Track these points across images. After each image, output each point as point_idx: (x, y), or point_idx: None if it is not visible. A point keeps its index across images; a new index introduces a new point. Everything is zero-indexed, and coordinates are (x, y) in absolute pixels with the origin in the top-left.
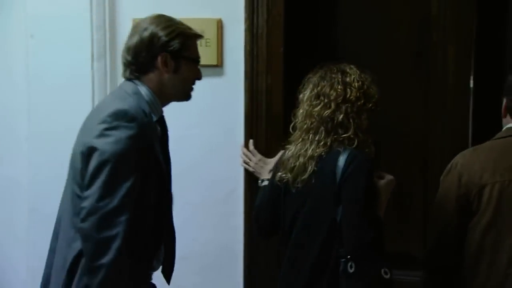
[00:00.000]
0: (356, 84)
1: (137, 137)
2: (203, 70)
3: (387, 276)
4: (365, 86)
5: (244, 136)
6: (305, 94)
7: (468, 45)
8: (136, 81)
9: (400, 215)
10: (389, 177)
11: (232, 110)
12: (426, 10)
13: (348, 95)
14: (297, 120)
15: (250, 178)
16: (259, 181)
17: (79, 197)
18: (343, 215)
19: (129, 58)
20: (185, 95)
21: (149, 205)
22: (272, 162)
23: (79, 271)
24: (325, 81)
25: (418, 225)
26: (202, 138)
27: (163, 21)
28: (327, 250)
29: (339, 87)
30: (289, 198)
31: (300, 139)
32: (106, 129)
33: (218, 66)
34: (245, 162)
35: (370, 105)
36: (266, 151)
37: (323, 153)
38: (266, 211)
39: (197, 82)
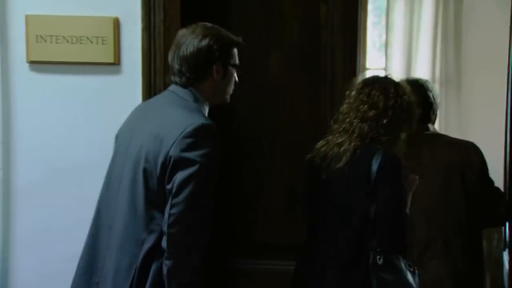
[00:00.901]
0: (406, 98)
1: (219, 151)
2: (99, 68)
3: (411, 269)
4: (412, 105)
5: None
6: (354, 91)
7: (354, 46)
8: (192, 89)
9: (292, 211)
10: (412, 176)
11: (129, 109)
12: (315, 12)
13: (398, 105)
14: (340, 112)
15: None
16: None
17: (150, 202)
18: (379, 211)
19: (185, 66)
20: (226, 99)
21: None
22: None
23: (152, 270)
24: (377, 85)
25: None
26: (98, 136)
27: (215, 32)
28: (360, 243)
29: (391, 95)
30: (319, 185)
31: (340, 129)
32: (194, 144)
33: (115, 64)
34: None
35: (411, 120)
36: None
37: (359, 147)
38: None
39: (93, 80)
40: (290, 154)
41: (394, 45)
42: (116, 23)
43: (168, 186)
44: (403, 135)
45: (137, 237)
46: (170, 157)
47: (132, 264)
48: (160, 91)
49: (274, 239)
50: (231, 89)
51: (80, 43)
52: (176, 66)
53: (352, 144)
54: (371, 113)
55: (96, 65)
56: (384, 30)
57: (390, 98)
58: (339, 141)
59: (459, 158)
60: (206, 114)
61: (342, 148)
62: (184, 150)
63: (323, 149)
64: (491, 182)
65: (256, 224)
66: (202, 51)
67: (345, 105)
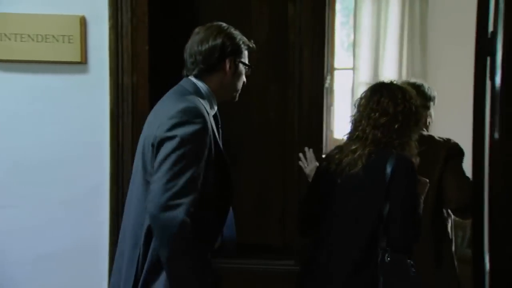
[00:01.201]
0: (413, 102)
1: (202, 131)
2: (65, 67)
3: (414, 269)
4: (419, 108)
5: (109, 133)
6: (363, 99)
7: (322, 46)
8: (197, 79)
9: (260, 208)
10: (423, 179)
11: (97, 107)
12: (283, 12)
13: (407, 109)
14: (351, 120)
15: (117, 174)
16: None
17: (147, 183)
18: (392, 211)
19: (199, 57)
20: (235, 96)
21: (210, 192)
22: None
23: (151, 249)
24: (385, 92)
25: (278, 217)
26: (65, 135)
27: (229, 32)
28: (372, 243)
29: (399, 101)
30: (334, 190)
31: (354, 137)
32: (177, 123)
33: (82, 63)
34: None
35: (419, 123)
36: (132, 149)
37: (373, 152)
38: (310, 205)
39: (59, 79)
40: (259, 153)
41: (361, 45)
42: (83, 22)
43: (155, 165)
44: (414, 137)
45: (141, 218)
46: (156, 137)
47: (137, 243)
48: (128, 91)
49: (244, 239)
50: (239, 86)
51: (46, 42)
52: (190, 59)
53: (367, 149)
54: (383, 119)
55: (62, 64)
56: (352, 30)
57: (399, 104)
58: (353, 147)
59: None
60: (214, 107)
61: (357, 154)
62: (167, 130)
63: (337, 156)
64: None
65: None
66: (216, 45)
67: (356, 114)
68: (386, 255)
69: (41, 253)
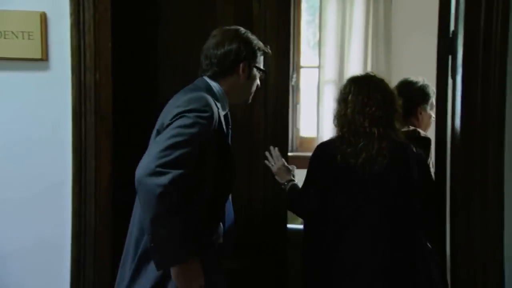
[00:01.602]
0: (394, 91)
1: (207, 118)
2: (25, 64)
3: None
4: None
5: (71, 132)
6: (350, 95)
7: (287, 44)
8: (211, 79)
9: None
10: None
11: (58, 106)
12: (248, 10)
13: (395, 99)
14: (340, 115)
15: (80, 173)
16: (282, 186)
17: None
18: (426, 204)
19: (214, 60)
20: (248, 99)
21: (206, 179)
22: (294, 167)
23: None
24: (372, 85)
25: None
26: (25, 133)
27: (245, 36)
28: (411, 235)
29: (387, 92)
30: (351, 187)
31: (352, 132)
32: (182, 111)
33: (43, 60)
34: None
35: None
36: (96, 148)
37: (387, 147)
38: (312, 203)
39: (19, 76)
40: None
41: (327, 43)
42: (44, 18)
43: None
44: (398, 125)
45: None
46: (163, 124)
47: (142, 235)
48: (91, 88)
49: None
50: (253, 90)
51: (5, 38)
52: (205, 61)
53: (382, 144)
54: (379, 113)
55: (22, 61)
56: (318, 28)
57: (387, 95)
58: (362, 143)
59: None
60: (225, 107)
61: (374, 150)
62: (172, 117)
63: (348, 150)
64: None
65: None
66: (232, 49)
67: (345, 109)
68: (428, 245)
69: (1, 253)
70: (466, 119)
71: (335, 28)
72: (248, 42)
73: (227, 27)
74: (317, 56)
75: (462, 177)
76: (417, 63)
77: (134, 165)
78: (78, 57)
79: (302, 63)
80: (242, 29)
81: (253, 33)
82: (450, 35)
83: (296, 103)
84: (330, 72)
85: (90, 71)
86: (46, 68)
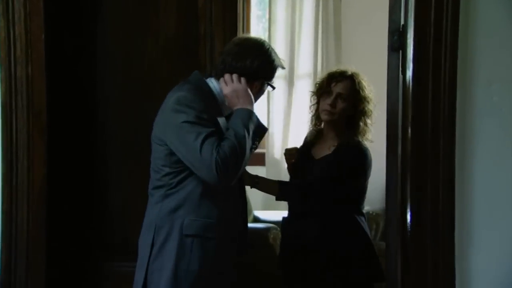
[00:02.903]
0: None
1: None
2: None
3: None
4: None
5: (1, 128)
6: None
7: (234, 37)
8: (216, 81)
9: None
10: None
11: None
12: (193, 2)
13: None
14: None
15: (10, 173)
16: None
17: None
18: None
19: (230, 69)
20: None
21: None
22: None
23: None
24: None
25: None
26: None
27: (268, 55)
28: None
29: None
30: None
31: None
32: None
33: None
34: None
35: None
36: (29, 147)
37: None
38: None
39: None
40: None
41: (277, 38)
42: None
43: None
44: None
45: (153, 216)
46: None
47: (151, 227)
48: (22, 83)
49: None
50: (257, 100)
51: None
52: (220, 66)
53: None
54: (370, 107)
55: None
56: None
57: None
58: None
59: None
60: (224, 112)
61: None
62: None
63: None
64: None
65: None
66: (252, 66)
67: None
68: None
69: None
70: (417, 115)
71: (284, 23)
72: (269, 62)
73: (252, 37)
74: None
75: (413, 174)
76: (367, 58)
77: (71, 164)
78: (8, 49)
79: None
80: (267, 44)
81: (198, 25)
82: (400, 29)
83: None
84: None
85: (21, 64)
86: None
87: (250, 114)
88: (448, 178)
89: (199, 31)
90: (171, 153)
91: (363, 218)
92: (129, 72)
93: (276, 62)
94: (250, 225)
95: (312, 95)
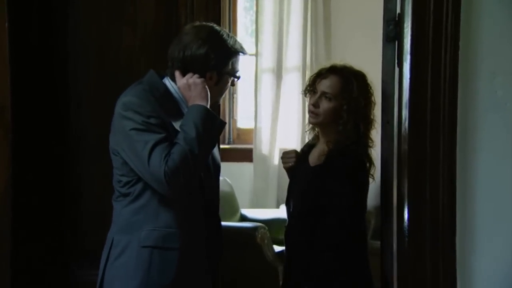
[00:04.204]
0: None
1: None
2: None
3: None
4: None
5: None
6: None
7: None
8: (173, 81)
9: None
10: None
11: None
12: None
13: None
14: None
15: None
16: None
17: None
18: None
19: (179, 65)
20: (217, 101)
21: None
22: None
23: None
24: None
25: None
26: None
27: (217, 40)
28: None
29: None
30: None
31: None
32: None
33: None
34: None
35: None
36: None
37: None
38: None
39: None
40: None
41: (265, 30)
42: None
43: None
44: None
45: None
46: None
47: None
48: None
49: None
50: (223, 94)
51: None
52: (170, 64)
53: None
54: (368, 108)
55: None
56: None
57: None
58: None
59: None
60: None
61: None
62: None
63: None
64: None
65: None
66: (199, 56)
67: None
68: None
69: None
70: (415, 111)
71: (273, 14)
72: (218, 47)
73: (200, 24)
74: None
75: (410, 176)
76: (359, 50)
77: (40, 166)
78: None
79: None
80: (217, 28)
81: (179, 15)
82: (396, 18)
83: (233, 92)
84: (268, 60)
85: None
86: None
87: (202, 110)
88: (449, 179)
89: (179, 20)
90: (126, 162)
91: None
92: (103, 66)
93: (227, 48)
94: (236, 224)
95: (304, 94)
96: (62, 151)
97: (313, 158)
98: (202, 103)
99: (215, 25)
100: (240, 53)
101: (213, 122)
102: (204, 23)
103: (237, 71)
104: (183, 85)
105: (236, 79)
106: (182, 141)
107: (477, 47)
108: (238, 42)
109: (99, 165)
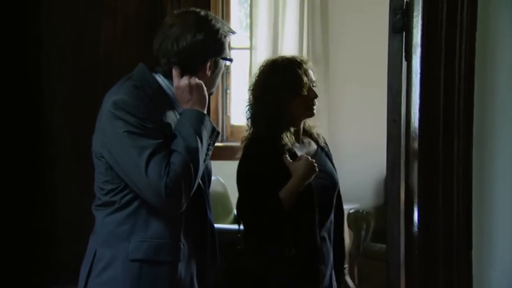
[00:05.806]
0: None
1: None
2: None
3: None
4: None
5: None
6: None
7: None
8: (167, 79)
9: None
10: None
11: None
12: None
13: None
14: None
15: None
16: None
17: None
18: None
19: (175, 59)
20: (212, 92)
21: None
22: None
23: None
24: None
25: None
26: None
27: (209, 25)
28: None
29: None
30: None
31: None
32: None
33: None
34: None
35: None
36: None
37: None
38: None
39: None
40: None
41: (259, 23)
42: None
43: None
44: None
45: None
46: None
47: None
48: None
49: None
50: (218, 82)
51: None
52: (163, 60)
53: None
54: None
55: None
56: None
57: None
58: None
59: None
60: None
61: None
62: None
63: None
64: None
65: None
66: (197, 44)
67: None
68: None
69: None
70: (426, 109)
71: (267, 6)
72: (214, 32)
73: (183, 11)
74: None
75: (421, 181)
76: (357, 43)
77: (11, 168)
78: None
79: (233, 44)
80: (203, 13)
81: (164, 5)
82: (404, 7)
83: (226, 88)
84: (263, 54)
85: None
86: None
87: (204, 119)
88: (464, 184)
89: (165, 11)
90: (111, 167)
91: None
92: (80, 61)
93: (222, 30)
94: (230, 226)
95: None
96: (35, 153)
97: (307, 145)
98: (202, 109)
99: (197, 10)
100: (230, 34)
101: (212, 133)
102: (184, 9)
103: (229, 54)
104: (184, 86)
105: (230, 62)
106: (183, 151)
107: (496, 38)
108: (225, 22)
109: (76, 168)
